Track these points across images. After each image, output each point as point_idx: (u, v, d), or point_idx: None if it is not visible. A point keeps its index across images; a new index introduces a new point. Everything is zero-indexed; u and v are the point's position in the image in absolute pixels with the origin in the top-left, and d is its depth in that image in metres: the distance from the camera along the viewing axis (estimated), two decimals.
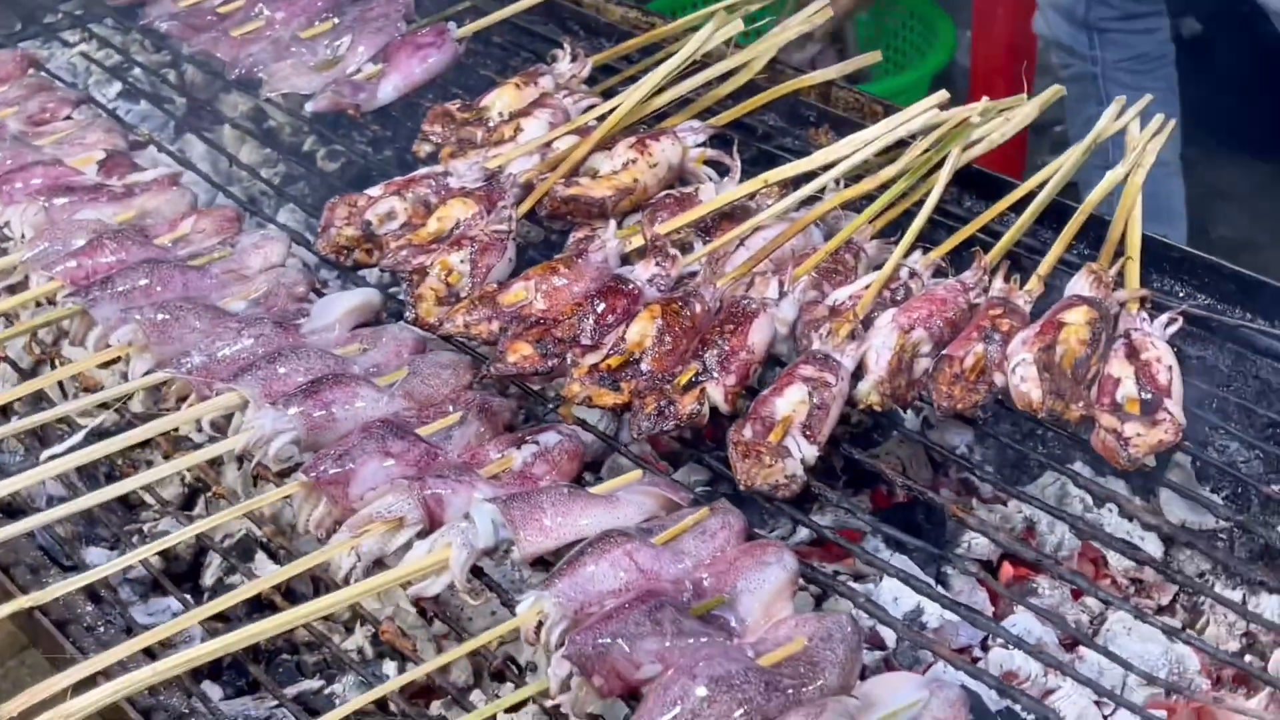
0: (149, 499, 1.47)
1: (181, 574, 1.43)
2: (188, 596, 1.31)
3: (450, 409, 1.34)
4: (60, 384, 1.51)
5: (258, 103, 2.13)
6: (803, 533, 1.41)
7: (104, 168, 1.69)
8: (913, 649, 1.31)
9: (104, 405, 1.39)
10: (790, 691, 1.05)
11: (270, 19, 1.95)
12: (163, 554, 1.32)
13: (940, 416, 1.34)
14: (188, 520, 1.33)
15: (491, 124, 1.73)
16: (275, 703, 1.22)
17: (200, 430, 1.38)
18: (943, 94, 1.58)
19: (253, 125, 2.15)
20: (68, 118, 1.80)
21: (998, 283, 1.43)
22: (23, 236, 1.58)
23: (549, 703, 1.08)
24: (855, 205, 1.55)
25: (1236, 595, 1.38)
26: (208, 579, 1.43)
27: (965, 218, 1.59)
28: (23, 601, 1.13)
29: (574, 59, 1.79)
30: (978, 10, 3.48)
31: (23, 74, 1.88)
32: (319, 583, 1.37)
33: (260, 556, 1.43)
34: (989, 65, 3.45)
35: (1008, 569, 1.43)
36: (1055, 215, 1.55)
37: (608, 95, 1.78)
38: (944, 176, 1.51)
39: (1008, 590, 1.34)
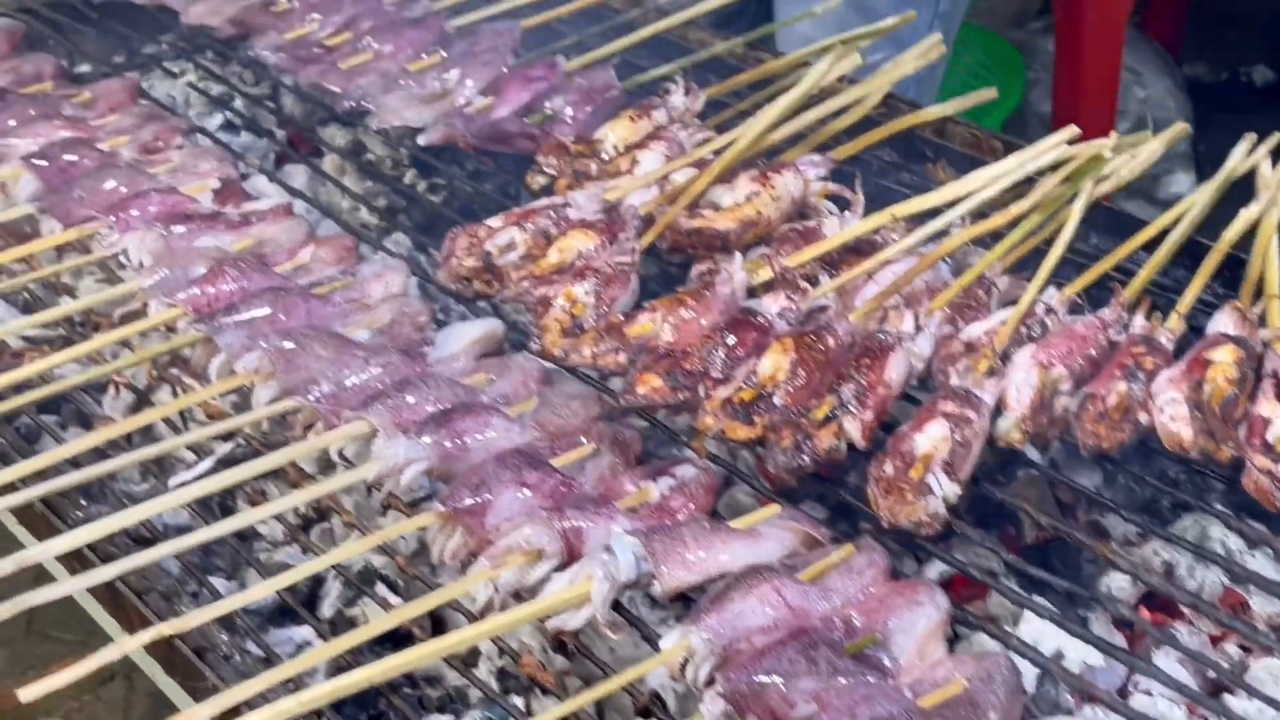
0: (263, 529, 1.46)
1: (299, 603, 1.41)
2: (323, 627, 1.29)
3: (582, 440, 1.32)
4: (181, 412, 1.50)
5: (357, 135, 2.14)
6: (930, 571, 1.39)
7: (219, 196, 1.69)
8: (1053, 693, 1.27)
9: (229, 434, 1.38)
10: None
11: (378, 52, 1.95)
12: None
13: (1085, 455, 1.31)
14: (316, 550, 1.31)
15: (605, 156, 1.72)
16: None
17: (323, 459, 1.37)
18: (1073, 129, 1.56)
19: (353, 158, 2.15)
20: (179, 146, 1.79)
21: (1137, 320, 1.40)
22: (140, 264, 1.58)
23: None
24: (982, 240, 1.52)
25: None
26: (326, 609, 1.42)
27: (1091, 254, 1.56)
28: (163, 629, 1.11)
29: (687, 92, 1.78)
30: (1060, 49, 3.45)
31: (132, 103, 1.88)
32: (437, 615, 1.35)
33: (379, 586, 1.41)
34: (1070, 106, 3.43)
35: (1144, 614, 1.40)
36: (1186, 253, 1.52)
37: (721, 129, 1.76)
38: (1077, 212, 1.48)
39: (1155, 631, 1.31)
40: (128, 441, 1.37)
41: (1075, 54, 3.41)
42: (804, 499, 1.48)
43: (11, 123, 1.78)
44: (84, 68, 2.06)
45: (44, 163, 1.70)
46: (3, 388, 1.39)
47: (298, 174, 2.06)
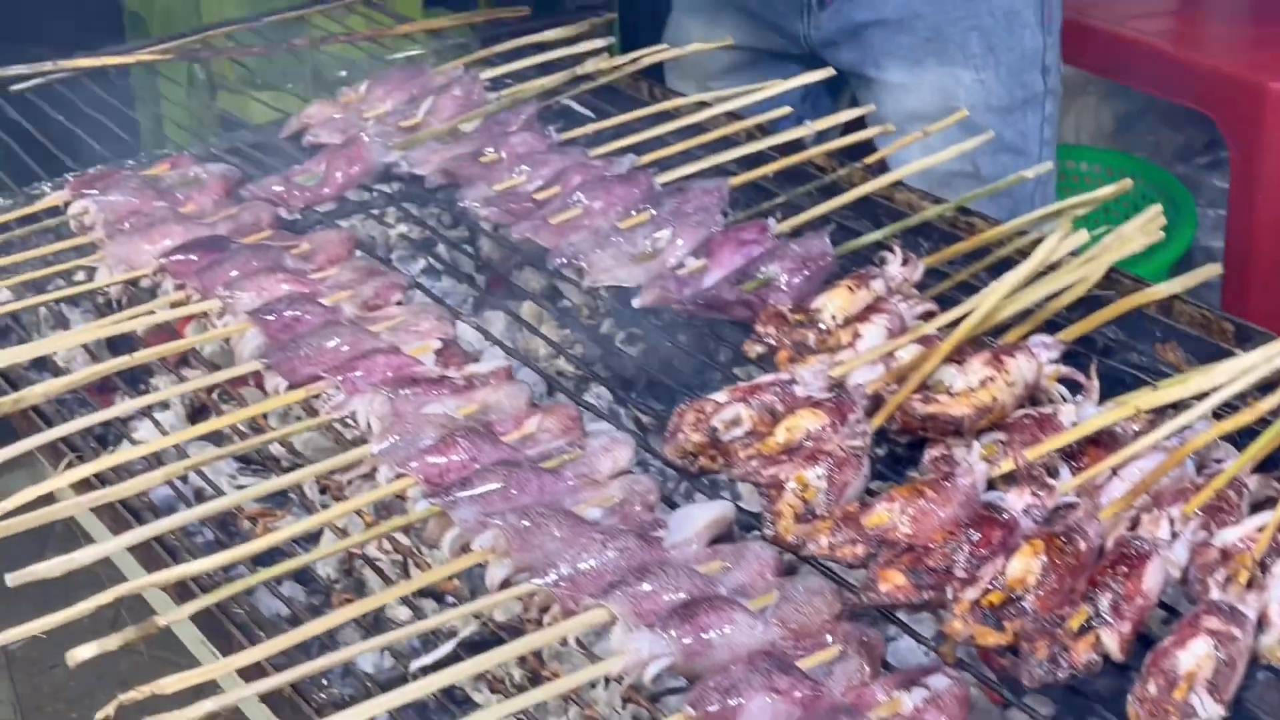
0: None
1: None
2: None
3: (827, 639, 1.29)
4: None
5: (553, 280, 2.15)
6: None
7: (440, 357, 1.70)
8: None
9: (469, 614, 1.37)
10: None
11: (588, 208, 1.96)
12: None
13: None
14: None
15: (824, 327, 1.71)
16: None
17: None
18: None
19: (549, 304, 2.17)
20: (398, 303, 1.81)
21: None
22: (369, 427, 1.59)
23: None
24: (1229, 435, 1.48)
25: None
26: None
27: None
28: None
29: (904, 262, 1.76)
30: (1235, 188, 3.39)
31: (350, 255, 1.91)
32: None
33: None
34: (1244, 247, 3.37)
35: None
36: None
37: (939, 300, 1.74)
38: None
39: None
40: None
41: (1250, 195, 3.36)
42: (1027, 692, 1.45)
43: (234, 274, 1.82)
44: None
45: (270, 317, 1.73)
46: (242, 559, 1.40)
47: (496, 320, 2.08)
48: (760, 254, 1.82)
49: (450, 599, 1.50)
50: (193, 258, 1.85)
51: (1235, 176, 3.40)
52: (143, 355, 1.70)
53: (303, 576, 1.58)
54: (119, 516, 1.48)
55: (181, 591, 1.38)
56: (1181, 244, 3.43)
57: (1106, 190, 1.86)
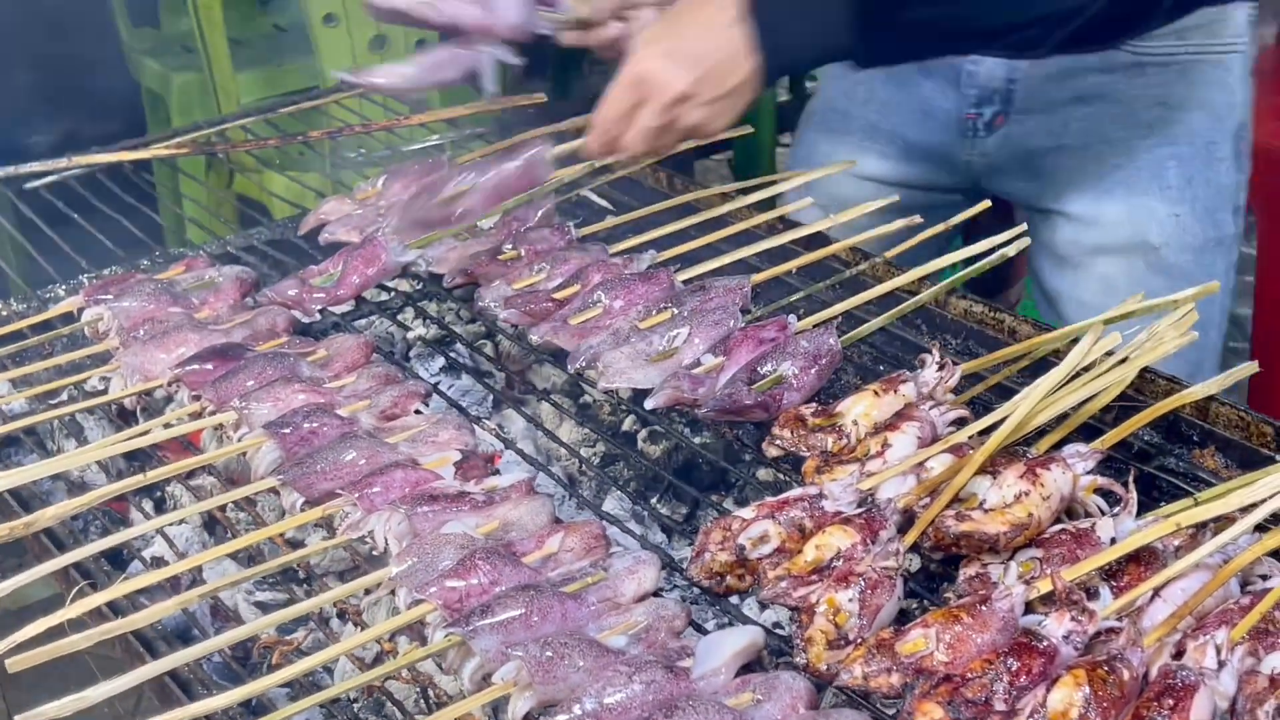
0: None
1: None
2: None
3: None
4: None
5: (571, 376, 2.12)
6: None
7: (459, 470, 1.66)
8: None
9: None
10: None
11: (608, 307, 1.93)
12: None
13: None
14: None
15: (846, 431, 1.67)
16: None
17: None
18: None
19: (569, 400, 2.13)
20: (417, 411, 1.78)
21: None
22: (386, 547, 1.55)
23: None
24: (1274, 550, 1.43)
25: None
26: None
27: None
28: None
29: (941, 367, 1.72)
30: (1262, 256, 3.35)
31: (366, 361, 1.88)
32: None
33: None
34: (1273, 316, 3.32)
35: None
36: None
37: (971, 405, 1.70)
38: None
39: None
40: None
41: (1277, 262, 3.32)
42: None
43: (250, 384, 1.79)
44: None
45: (286, 430, 1.70)
46: (258, 693, 1.36)
47: (516, 419, 2.05)
48: (768, 351, 1.79)
49: None
50: (208, 367, 1.82)
51: (1263, 243, 3.37)
52: (156, 474, 1.67)
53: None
54: (131, 648, 1.44)
55: None
56: None
57: (1190, 292, 1.79)
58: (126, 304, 1.97)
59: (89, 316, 1.98)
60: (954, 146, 2.28)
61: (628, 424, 2.07)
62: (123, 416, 1.92)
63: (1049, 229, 2.27)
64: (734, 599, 1.59)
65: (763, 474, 1.80)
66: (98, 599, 1.47)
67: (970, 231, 2.25)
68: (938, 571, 1.54)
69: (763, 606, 1.59)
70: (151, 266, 2.17)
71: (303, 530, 1.77)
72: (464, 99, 2.59)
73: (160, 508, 1.93)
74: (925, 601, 1.49)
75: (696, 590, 1.59)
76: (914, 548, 1.51)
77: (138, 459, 1.91)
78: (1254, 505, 1.44)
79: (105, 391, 1.87)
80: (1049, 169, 2.24)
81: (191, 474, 1.82)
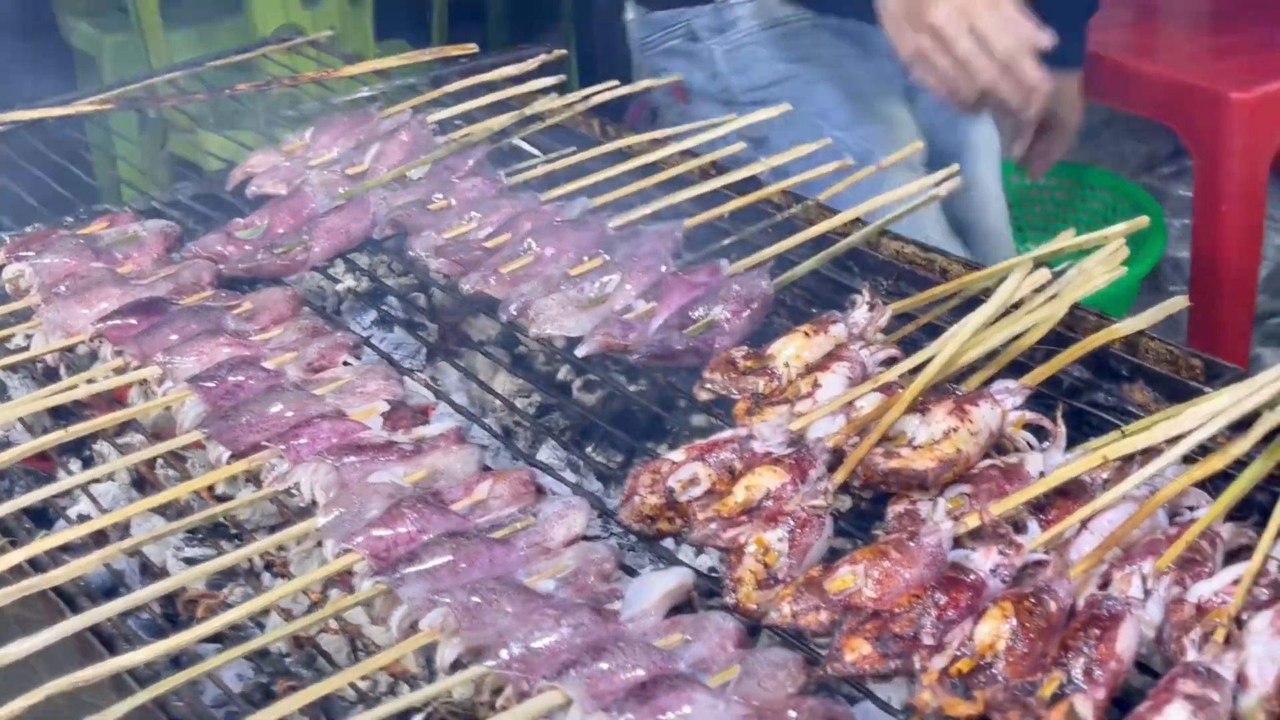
0: None
1: None
2: None
3: (792, 714, 1.24)
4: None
5: (506, 328, 2.09)
6: None
7: (387, 420, 1.64)
8: None
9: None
10: None
11: (539, 255, 1.91)
12: None
13: None
14: None
15: (778, 374, 1.66)
16: None
17: None
18: None
19: (504, 351, 2.11)
20: (345, 363, 1.76)
21: None
22: (313, 499, 1.53)
23: None
24: (1201, 481, 1.44)
25: None
26: None
27: None
28: None
29: (871, 307, 1.71)
30: (1199, 198, 3.36)
31: (295, 315, 1.85)
32: None
33: None
34: (1210, 256, 3.33)
35: None
36: None
37: (902, 344, 1.70)
38: None
39: None
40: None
41: (1214, 204, 3.33)
42: None
43: (174, 338, 1.76)
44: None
45: (210, 384, 1.67)
46: (183, 646, 1.35)
47: (450, 372, 2.03)
48: (701, 296, 1.78)
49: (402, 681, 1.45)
50: (130, 322, 1.79)
51: (1199, 186, 3.37)
52: (78, 429, 1.64)
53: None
54: (52, 604, 1.42)
55: (119, 685, 1.32)
56: (1152, 258, 3.39)
57: (1121, 227, 1.80)
58: (48, 260, 1.93)
59: (10, 273, 1.94)
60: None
61: (563, 374, 2.05)
62: (48, 375, 1.89)
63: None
64: (671, 544, 1.59)
65: (697, 419, 1.79)
66: (17, 555, 1.44)
67: None
68: (869, 510, 1.53)
69: (699, 551, 1.58)
70: (75, 223, 2.13)
71: (235, 487, 1.75)
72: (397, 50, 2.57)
73: (88, 467, 1.90)
74: (857, 540, 1.48)
75: (633, 537, 1.58)
76: (845, 487, 1.51)
77: (64, 418, 1.88)
78: (1180, 437, 1.44)
79: (28, 349, 1.84)
80: None
81: (121, 432, 1.80)
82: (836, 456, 1.52)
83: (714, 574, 1.47)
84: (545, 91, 2.36)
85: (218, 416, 1.63)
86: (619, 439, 1.85)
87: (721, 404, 1.69)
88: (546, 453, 1.90)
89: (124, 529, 1.69)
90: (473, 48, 2.56)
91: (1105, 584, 1.34)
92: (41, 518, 1.70)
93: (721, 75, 2.59)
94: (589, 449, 1.90)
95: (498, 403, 1.93)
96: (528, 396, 2.05)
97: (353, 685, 1.35)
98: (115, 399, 1.82)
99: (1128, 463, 1.47)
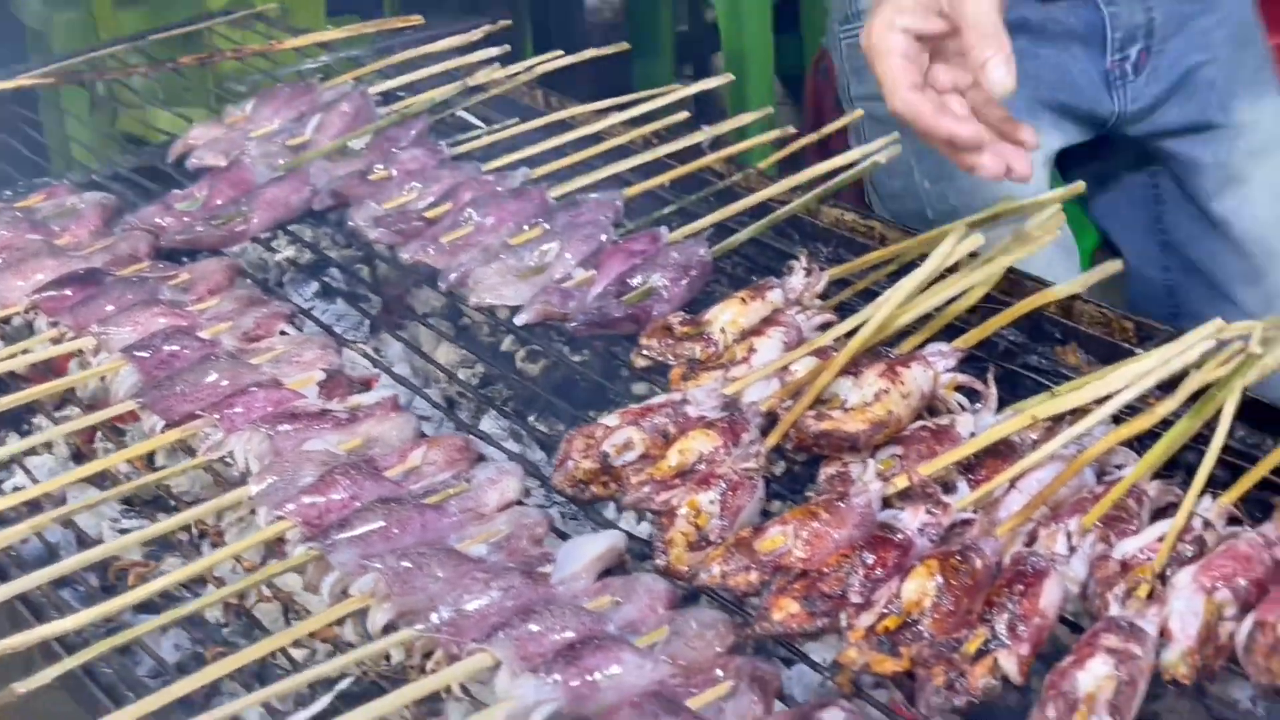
0: None
1: None
2: None
3: (719, 675, 1.25)
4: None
5: (449, 299, 2.09)
6: None
7: (324, 389, 1.64)
8: None
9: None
10: None
11: (479, 225, 1.90)
12: None
13: (1258, 693, 1.23)
14: None
15: (714, 339, 1.66)
16: None
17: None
18: (1218, 322, 1.48)
19: (448, 323, 2.11)
20: (282, 333, 1.75)
21: None
22: (247, 467, 1.53)
23: None
24: (1129, 440, 1.45)
25: None
26: None
27: (1240, 450, 1.48)
28: None
29: (809, 273, 1.71)
30: None
31: (231, 284, 1.84)
32: None
33: None
34: None
35: None
36: None
37: (839, 310, 1.70)
38: (1228, 416, 1.40)
39: None
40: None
41: None
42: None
43: (109, 309, 1.75)
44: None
45: (144, 354, 1.67)
46: (112, 613, 1.34)
47: (393, 344, 2.02)
48: (639, 264, 1.78)
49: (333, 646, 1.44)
50: (66, 293, 1.78)
51: None
52: (10, 399, 1.63)
53: (189, 622, 1.53)
54: None
55: (47, 652, 1.32)
56: (1089, 241, 3.40)
57: (1058, 192, 1.80)
58: None
59: None
60: (1099, 103, 2.20)
61: (506, 344, 2.05)
62: None
63: (1214, 150, 2.22)
64: (610, 511, 1.59)
65: (638, 388, 1.80)
66: None
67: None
68: (802, 473, 1.54)
69: (639, 517, 1.59)
70: (13, 196, 2.12)
71: (173, 459, 1.74)
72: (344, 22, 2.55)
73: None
74: (789, 503, 1.49)
75: (572, 505, 1.59)
76: (778, 450, 1.51)
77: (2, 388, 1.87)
78: (1109, 396, 1.45)
79: None
80: (1203, 85, 2.19)
81: (60, 406, 1.79)
82: (770, 420, 1.53)
83: (649, 539, 1.47)
84: (489, 62, 2.35)
85: (152, 386, 1.63)
86: (561, 409, 1.85)
87: (662, 371, 1.69)
88: (489, 423, 1.90)
89: (60, 501, 1.68)
90: (418, 19, 2.55)
91: (1032, 541, 1.35)
92: None
93: None
94: (531, 419, 1.90)
95: (440, 374, 1.93)
96: (471, 367, 2.05)
97: (284, 652, 1.34)
98: (54, 371, 1.81)
99: (1058, 423, 1.48)
